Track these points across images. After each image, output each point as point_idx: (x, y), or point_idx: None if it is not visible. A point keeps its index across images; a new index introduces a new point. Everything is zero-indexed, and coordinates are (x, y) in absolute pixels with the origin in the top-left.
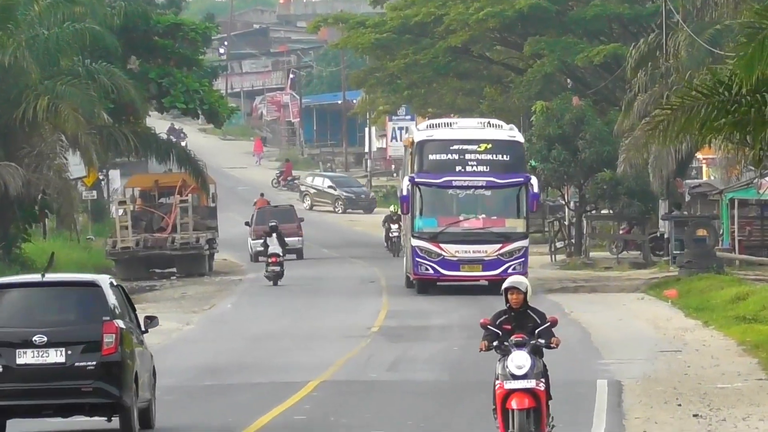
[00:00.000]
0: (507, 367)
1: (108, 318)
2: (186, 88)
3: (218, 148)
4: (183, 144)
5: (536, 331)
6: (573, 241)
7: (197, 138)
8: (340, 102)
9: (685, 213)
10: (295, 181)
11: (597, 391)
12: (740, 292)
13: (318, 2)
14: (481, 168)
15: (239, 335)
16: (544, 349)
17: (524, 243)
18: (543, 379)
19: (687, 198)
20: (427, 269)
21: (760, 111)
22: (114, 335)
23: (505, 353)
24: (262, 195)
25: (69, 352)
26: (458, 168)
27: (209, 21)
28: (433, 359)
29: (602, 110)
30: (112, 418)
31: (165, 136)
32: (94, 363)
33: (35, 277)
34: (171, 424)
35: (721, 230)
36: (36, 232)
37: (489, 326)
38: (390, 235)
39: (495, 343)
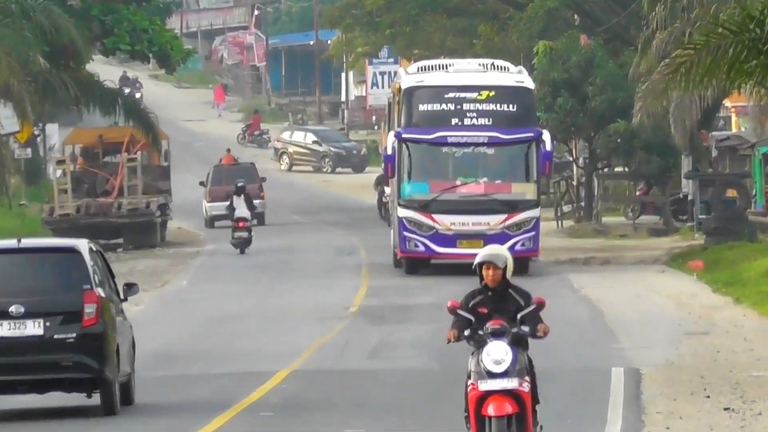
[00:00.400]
0: (482, 362)
1: (88, 287)
2: (133, 27)
3: (172, 98)
4: (138, 96)
5: (519, 316)
6: (582, 204)
7: (147, 85)
8: (312, 43)
9: (712, 170)
10: (264, 136)
11: (612, 380)
12: None
13: None
14: (482, 121)
15: (196, 317)
16: (529, 339)
17: (535, 213)
18: (527, 378)
19: (714, 153)
20: (416, 245)
21: None
22: (95, 305)
23: (479, 345)
24: (228, 151)
25: (47, 323)
26: (454, 121)
27: None
28: (421, 344)
29: (615, 51)
30: (92, 394)
31: (114, 86)
32: (74, 335)
33: (10, 243)
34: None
35: (754, 190)
36: None
37: (459, 311)
38: (384, 199)
39: (467, 332)
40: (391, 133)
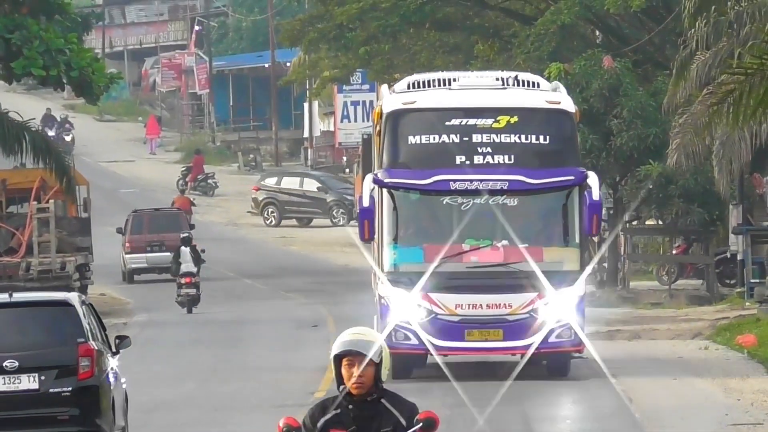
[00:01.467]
0: None
1: (83, 340)
2: (46, 47)
3: (93, 134)
4: (68, 139)
5: None
6: (606, 264)
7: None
8: (267, 66)
9: (767, 224)
10: (210, 181)
11: None
12: None
13: None
14: (500, 158)
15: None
16: None
17: (578, 290)
18: None
19: (757, 197)
20: (406, 337)
21: None
22: (90, 358)
23: None
24: (182, 192)
25: (42, 377)
26: (460, 159)
27: None
28: None
29: (646, 76)
30: None
31: (36, 127)
32: (70, 389)
33: (2, 297)
34: None
35: None
36: None
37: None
38: None
39: None
40: (369, 178)
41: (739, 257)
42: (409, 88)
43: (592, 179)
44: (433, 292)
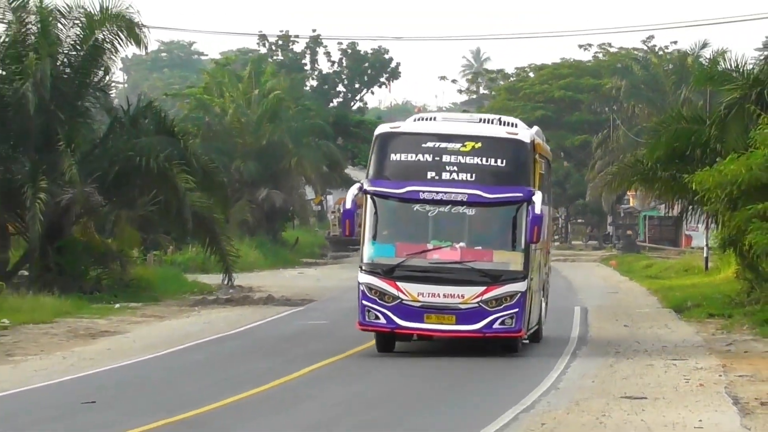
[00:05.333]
0: None
1: None
2: None
3: None
4: None
5: None
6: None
7: None
8: None
9: (620, 222)
10: None
11: (574, 312)
12: (648, 263)
13: None
14: (463, 176)
15: None
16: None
17: (520, 286)
18: None
19: (621, 214)
20: (377, 317)
21: (655, 171)
22: None
23: None
24: None
25: None
26: (431, 174)
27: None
28: None
29: (579, 168)
30: None
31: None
32: None
33: None
34: None
35: (639, 231)
36: (288, 226)
37: None
38: None
39: None
40: (355, 186)
41: (610, 234)
42: (408, 122)
43: (537, 197)
44: (401, 281)
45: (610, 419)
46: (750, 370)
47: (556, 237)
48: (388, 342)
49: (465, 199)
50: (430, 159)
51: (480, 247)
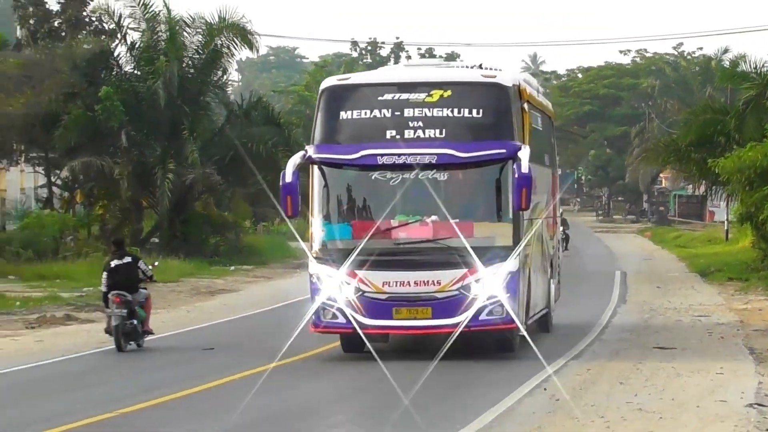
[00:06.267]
0: None
1: None
2: None
3: None
4: None
5: None
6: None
7: None
8: None
9: (654, 200)
10: None
11: (615, 276)
12: (677, 234)
13: None
14: (431, 132)
15: None
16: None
17: (510, 266)
18: None
19: (655, 193)
20: (334, 316)
21: (687, 153)
22: None
23: None
24: None
25: None
26: (390, 134)
27: None
28: None
29: (619, 154)
30: None
31: None
32: None
33: None
34: None
35: (670, 207)
36: None
37: None
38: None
39: None
40: (297, 154)
41: (646, 209)
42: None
43: (524, 152)
44: (361, 269)
45: (645, 366)
46: (764, 325)
47: (600, 212)
48: (354, 342)
49: (434, 161)
50: (388, 115)
51: (457, 220)
